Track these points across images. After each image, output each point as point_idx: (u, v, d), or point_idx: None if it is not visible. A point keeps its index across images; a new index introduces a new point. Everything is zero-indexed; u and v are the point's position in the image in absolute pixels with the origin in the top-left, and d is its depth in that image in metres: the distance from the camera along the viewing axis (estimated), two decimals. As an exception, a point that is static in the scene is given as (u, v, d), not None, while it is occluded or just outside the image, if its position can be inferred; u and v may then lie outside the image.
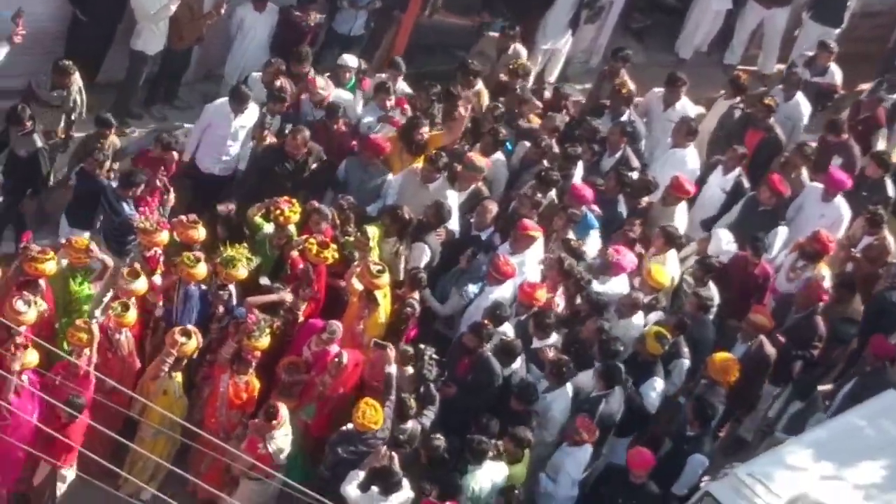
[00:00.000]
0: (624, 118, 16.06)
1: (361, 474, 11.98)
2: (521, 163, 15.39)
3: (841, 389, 14.17)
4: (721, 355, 13.43)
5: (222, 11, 15.67)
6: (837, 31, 18.90)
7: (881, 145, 17.11)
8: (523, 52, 16.75)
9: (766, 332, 13.90)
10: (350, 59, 15.59)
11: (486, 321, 13.04)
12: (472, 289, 13.84)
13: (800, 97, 16.95)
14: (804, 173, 16.00)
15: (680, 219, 15.16)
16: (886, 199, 16.11)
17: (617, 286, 14.22)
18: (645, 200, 15.22)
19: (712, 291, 14.23)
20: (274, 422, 12.04)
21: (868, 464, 12.65)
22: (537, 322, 13.41)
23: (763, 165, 16.15)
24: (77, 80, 14.50)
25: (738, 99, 16.87)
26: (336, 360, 12.67)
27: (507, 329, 13.43)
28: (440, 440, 12.29)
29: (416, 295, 13.50)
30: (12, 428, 11.75)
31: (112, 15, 15.22)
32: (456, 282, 13.91)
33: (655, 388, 13.41)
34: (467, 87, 15.82)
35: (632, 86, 16.36)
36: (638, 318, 13.80)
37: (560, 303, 13.92)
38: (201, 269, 12.87)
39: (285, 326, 13.16)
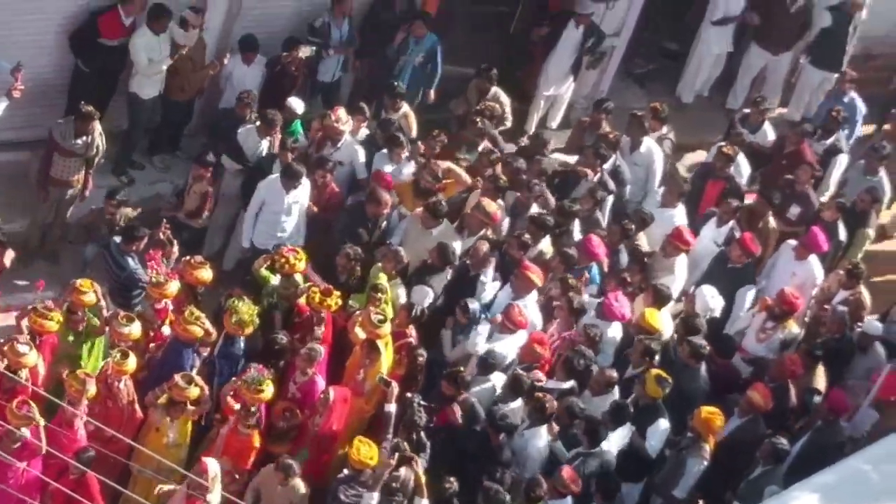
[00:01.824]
0: (608, 164, 16.00)
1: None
2: (512, 210, 15.33)
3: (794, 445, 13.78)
4: (707, 409, 13.26)
5: (226, 62, 15.74)
6: (837, 74, 18.90)
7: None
8: (503, 95, 16.77)
9: (761, 411, 13.63)
10: (297, 104, 15.52)
11: (462, 368, 13.08)
12: (482, 330, 13.81)
13: (741, 158, 16.72)
14: (771, 221, 15.94)
15: (680, 270, 15.14)
16: (839, 244, 16.10)
17: (611, 333, 14.21)
18: (643, 240, 15.19)
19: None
20: (205, 476, 11.76)
21: (873, 509, 12.60)
22: (566, 366, 13.44)
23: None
24: (98, 125, 14.56)
25: (665, 130, 16.86)
26: (323, 397, 12.68)
27: (497, 378, 13.45)
28: (452, 483, 12.31)
29: (413, 330, 13.51)
30: (17, 483, 11.77)
31: (114, 65, 15.30)
32: (462, 331, 13.87)
33: (658, 432, 13.36)
34: (393, 110, 15.91)
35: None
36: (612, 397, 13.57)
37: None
38: (196, 330, 12.84)
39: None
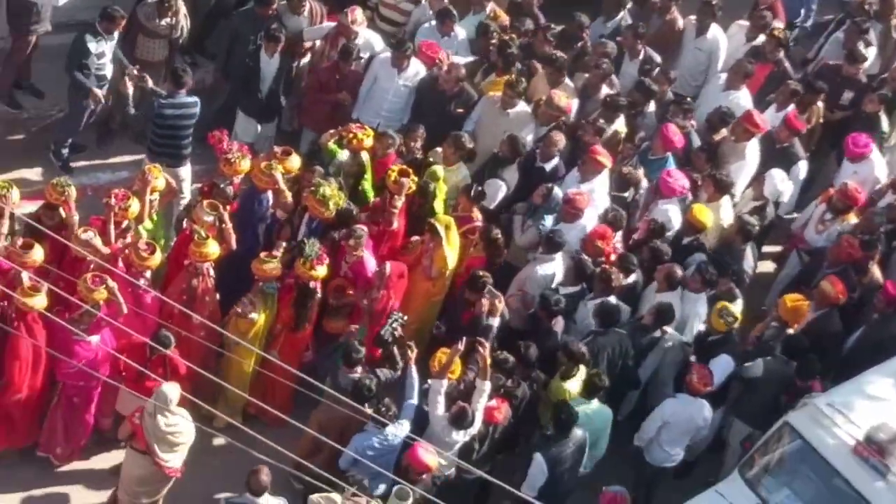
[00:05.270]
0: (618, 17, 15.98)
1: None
2: (583, 91, 15.19)
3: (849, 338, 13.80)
4: (792, 297, 13.31)
5: None
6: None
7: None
8: None
9: (835, 304, 13.52)
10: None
11: (481, 273, 12.92)
12: (549, 221, 13.80)
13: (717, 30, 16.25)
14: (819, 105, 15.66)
15: (752, 155, 14.95)
16: (881, 135, 15.74)
17: (671, 212, 14.13)
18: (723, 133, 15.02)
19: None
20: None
21: (947, 392, 12.47)
22: (621, 265, 13.39)
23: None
24: (182, 6, 14.54)
25: None
26: (379, 270, 12.79)
27: (559, 260, 13.40)
28: (508, 358, 12.43)
29: (477, 211, 13.52)
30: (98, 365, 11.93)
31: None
32: (532, 215, 13.84)
33: (721, 364, 13.09)
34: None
35: None
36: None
37: (619, 246, 13.88)
38: (267, 180, 13.03)
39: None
